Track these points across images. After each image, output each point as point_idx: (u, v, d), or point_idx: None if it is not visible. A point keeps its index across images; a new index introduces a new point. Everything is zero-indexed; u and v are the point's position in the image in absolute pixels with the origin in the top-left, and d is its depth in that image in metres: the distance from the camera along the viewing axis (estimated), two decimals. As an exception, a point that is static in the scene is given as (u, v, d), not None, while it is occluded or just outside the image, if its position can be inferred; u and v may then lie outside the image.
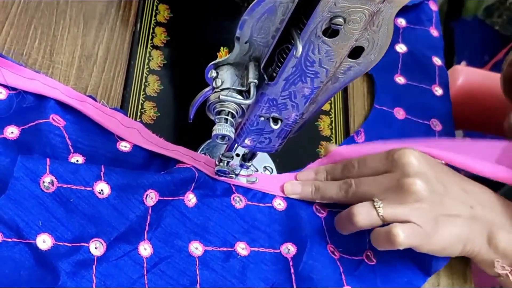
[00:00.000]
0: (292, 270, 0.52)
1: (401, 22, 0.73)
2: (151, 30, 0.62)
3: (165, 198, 0.51)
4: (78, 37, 0.59)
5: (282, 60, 0.41)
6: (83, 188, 0.48)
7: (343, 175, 0.55)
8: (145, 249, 0.49)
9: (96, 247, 0.47)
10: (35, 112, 0.51)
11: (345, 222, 0.52)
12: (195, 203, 0.52)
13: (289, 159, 0.59)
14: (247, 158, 0.54)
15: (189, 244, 0.51)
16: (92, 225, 0.47)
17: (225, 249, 0.52)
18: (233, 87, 0.42)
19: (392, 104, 0.66)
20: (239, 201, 0.54)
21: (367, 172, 0.54)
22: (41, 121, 0.50)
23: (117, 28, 0.61)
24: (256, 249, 0.53)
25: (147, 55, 0.60)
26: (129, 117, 0.56)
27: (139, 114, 0.57)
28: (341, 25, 0.37)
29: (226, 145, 0.51)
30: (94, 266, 0.46)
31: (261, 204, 0.55)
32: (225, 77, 0.42)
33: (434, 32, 0.74)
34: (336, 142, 0.63)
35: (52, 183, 0.47)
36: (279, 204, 0.55)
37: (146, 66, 0.60)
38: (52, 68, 0.56)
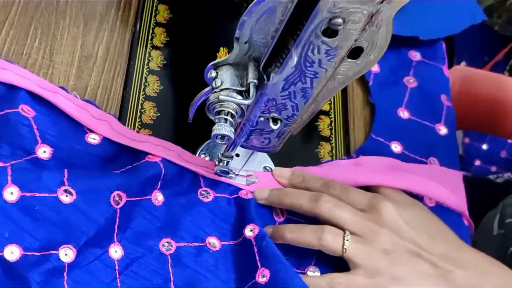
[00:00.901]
0: (256, 250, 0.51)
1: (416, 55, 0.71)
2: (151, 31, 0.62)
3: (132, 199, 0.50)
4: (78, 37, 0.59)
5: (282, 61, 0.41)
6: (47, 195, 0.47)
7: (320, 190, 0.54)
8: (115, 251, 0.49)
9: (66, 254, 0.46)
10: (5, 101, 0.51)
11: (310, 234, 0.51)
12: (163, 201, 0.52)
13: (289, 159, 0.59)
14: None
15: (160, 242, 0.50)
16: (60, 232, 0.47)
17: (196, 244, 0.51)
18: (232, 87, 0.42)
19: (390, 137, 0.64)
20: (206, 195, 0.54)
21: (345, 201, 0.53)
22: (10, 110, 0.50)
23: (117, 28, 0.61)
24: (227, 243, 0.52)
25: (147, 55, 0.60)
26: (129, 117, 0.56)
27: (139, 114, 0.57)
28: (340, 26, 0.37)
29: (225, 145, 0.51)
30: (65, 273, 0.46)
31: (229, 196, 0.54)
32: (225, 77, 0.42)
33: (448, 73, 0.72)
34: (335, 142, 0.63)
35: (15, 193, 0.47)
36: (246, 194, 0.54)
37: (146, 67, 0.60)
38: (52, 68, 0.56)
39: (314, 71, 0.41)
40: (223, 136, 0.43)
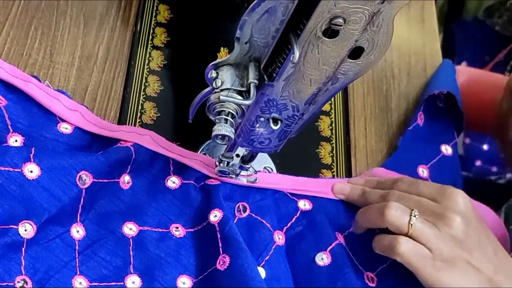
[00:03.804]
0: (219, 235, 0.51)
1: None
2: (151, 31, 0.62)
3: (99, 180, 0.50)
4: (78, 38, 0.59)
5: (282, 61, 0.41)
6: (11, 169, 0.47)
7: (390, 187, 0.55)
8: (77, 231, 0.49)
9: (26, 230, 0.46)
10: None
11: (374, 211, 0.51)
12: (131, 185, 0.52)
13: (289, 159, 0.59)
14: (246, 160, 0.54)
15: (123, 225, 0.51)
16: (21, 207, 0.47)
17: (160, 230, 0.52)
18: (233, 88, 0.42)
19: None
20: (173, 182, 0.54)
21: (414, 193, 0.53)
22: None
23: (117, 29, 0.61)
24: (191, 229, 0.52)
25: (147, 55, 0.60)
26: (129, 117, 0.56)
27: (139, 114, 0.57)
28: (341, 26, 0.37)
29: (226, 146, 0.51)
30: (23, 249, 0.46)
31: (195, 183, 0.54)
32: (225, 78, 0.42)
33: None
34: (336, 143, 0.63)
35: None
36: (212, 182, 0.54)
37: (146, 67, 0.60)
38: (52, 68, 0.56)
39: (315, 71, 0.41)
40: (223, 137, 0.43)
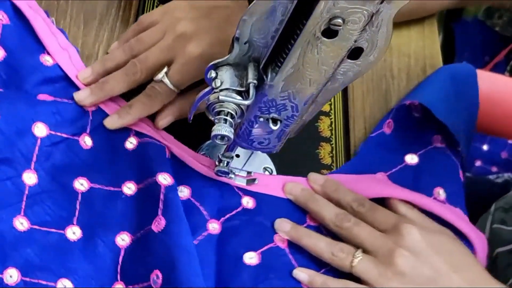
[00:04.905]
0: (162, 197, 0.51)
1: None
2: (151, 31, 0.62)
3: (58, 134, 0.52)
4: (78, 37, 0.59)
5: (282, 61, 0.41)
6: None
7: (349, 204, 0.54)
8: (29, 177, 0.50)
9: None
10: None
11: (322, 246, 0.51)
12: (91, 145, 0.53)
13: (289, 159, 0.59)
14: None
15: (75, 180, 0.52)
16: None
17: (112, 188, 0.52)
18: (232, 88, 0.42)
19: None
20: (131, 143, 0.54)
21: (369, 219, 0.53)
22: None
23: (117, 28, 0.61)
24: (141, 185, 0.52)
25: (147, 55, 0.60)
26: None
27: (138, 114, 0.57)
28: (340, 26, 0.37)
29: (225, 146, 0.51)
30: None
31: (152, 141, 0.54)
32: (225, 78, 0.42)
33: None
34: (336, 143, 0.63)
35: None
36: (165, 144, 0.55)
37: (146, 67, 0.60)
38: (52, 68, 0.56)
39: (314, 71, 0.41)
40: (222, 137, 0.43)
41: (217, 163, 0.53)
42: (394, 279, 0.48)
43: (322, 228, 0.55)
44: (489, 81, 0.81)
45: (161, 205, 0.50)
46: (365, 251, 0.50)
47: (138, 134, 0.54)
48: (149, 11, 0.63)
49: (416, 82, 0.70)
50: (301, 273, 0.51)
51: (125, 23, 0.62)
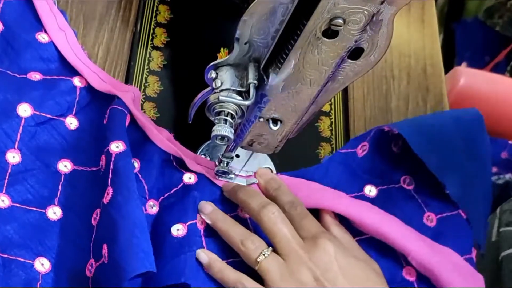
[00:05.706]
0: (111, 166, 0.50)
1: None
2: (151, 31, 0.62)
3: (42, 114, 0.52)
4: (78, 38, 0.59)
5: (282, 61, 0.41)
6: None
7: (283, 205, 0.51)
8: (13, 157, 0.50)
9: None
10: None
11: (236, 233, 0.50)
12: (77, 127, 0.53)
13: (289, 160, 0.59)
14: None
15: (59, 161, 0.52)
16: None
17: (95, 168, 0.52)
18: (232, 88, 0.42)
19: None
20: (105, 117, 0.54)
21: (295, 223, 0.50)
22: None
23: (117, 29, 0.61)
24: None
25: (147, 55, 0.60)
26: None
27: (139, 114, 0.57)
28: (340, 26, 0.37)
29: (225, 146, 0.51)
30: None
31: (116, 108, 0.53)
32: (225, 78, 0.42)
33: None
34: (336, 143, 0.63)
35: None
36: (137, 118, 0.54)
37: (146, 67, 0.60)
38: (52, 68, 0.56)
39: (314, 71, 0.41)
40: (222, 137, 0.43)
41: (217, 163, 0.53)
42: (292, 285, 0.47)
43: (250, 223, 0.53)
44: (489, 81, 0.81)
45: (110, 175, 0.49)
46: (276, 252, 0.49)
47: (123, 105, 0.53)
48: (149, 11, 0.63)
49: (416, 83, 0.70)
50: (202, 254, 0.50)
51: (125, 23, 0.62)
